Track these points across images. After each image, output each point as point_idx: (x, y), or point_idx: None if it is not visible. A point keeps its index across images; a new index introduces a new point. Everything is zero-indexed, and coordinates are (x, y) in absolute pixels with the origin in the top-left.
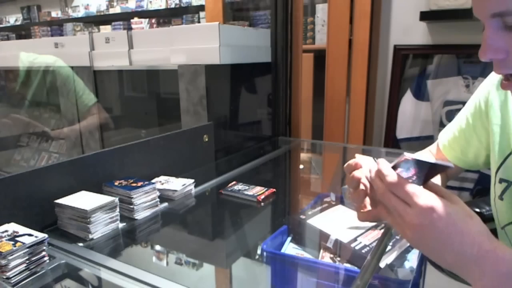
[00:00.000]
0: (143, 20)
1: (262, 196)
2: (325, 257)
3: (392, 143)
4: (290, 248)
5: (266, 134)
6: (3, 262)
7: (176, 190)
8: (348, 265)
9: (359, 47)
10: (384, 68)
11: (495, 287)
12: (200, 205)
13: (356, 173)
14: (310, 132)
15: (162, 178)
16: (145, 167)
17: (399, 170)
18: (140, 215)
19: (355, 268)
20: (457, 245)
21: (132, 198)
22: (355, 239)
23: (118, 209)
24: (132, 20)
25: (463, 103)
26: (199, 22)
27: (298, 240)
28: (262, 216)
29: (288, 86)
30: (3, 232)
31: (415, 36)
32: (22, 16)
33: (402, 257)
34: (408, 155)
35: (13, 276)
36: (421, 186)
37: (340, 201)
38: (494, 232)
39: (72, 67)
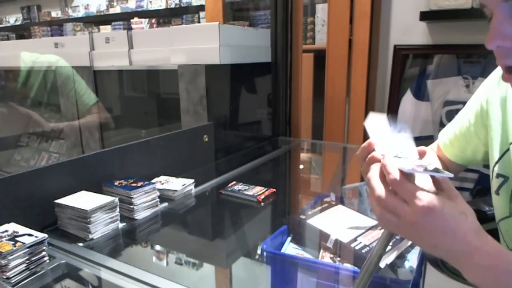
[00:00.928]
0: (143, 20)
1: (262, 196)
2: (325, 257)
3: None
4: (290, 248)
5: (266, 134)
6: (3, 262)
7: (176, 190)
8: (348, 265)
9: (359, 47)
10: (384, 68)
11: (483, 279)
12: (200, 205)
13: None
14: (310, 132)
15: (162, 178)
16: (145, 167)
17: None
18: (140, 215)
19: (355, 268)
20: (449, 243)
21: (132, 198)
22: (355, 239)
23: (118, 209)
24: (132, 20)
25: (463, 103)
26: (199, 22)
27: (298, 240)
28: (262, 216)
29: (288, 86)
30: (3, 232)
31: (415, 36)
32: (22, 16)
33: (402, 257)
34: (406, 168)
35: (13, 276)
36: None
37: (340, 201)
38: (494, 232)
39: (72, 67)
